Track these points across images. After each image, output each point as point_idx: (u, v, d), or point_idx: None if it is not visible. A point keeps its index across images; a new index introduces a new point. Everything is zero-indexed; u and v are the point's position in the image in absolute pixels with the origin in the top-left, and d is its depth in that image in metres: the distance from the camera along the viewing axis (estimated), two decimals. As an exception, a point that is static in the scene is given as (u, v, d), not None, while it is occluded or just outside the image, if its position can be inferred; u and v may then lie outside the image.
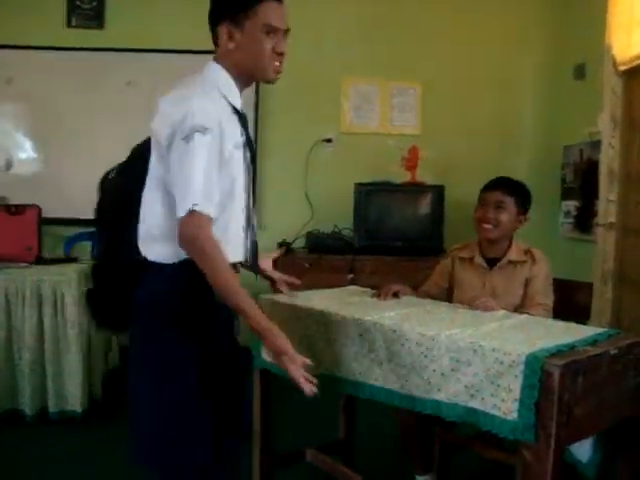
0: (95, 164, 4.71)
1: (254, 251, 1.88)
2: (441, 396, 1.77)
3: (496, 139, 4.91)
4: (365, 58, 4.82)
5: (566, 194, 4.42)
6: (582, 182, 4.21)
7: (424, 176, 4.54)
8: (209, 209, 1.64)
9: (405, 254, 4.22)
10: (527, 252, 2.47)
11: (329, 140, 4.79)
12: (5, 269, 3.37)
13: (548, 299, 2.40)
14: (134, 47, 4.69)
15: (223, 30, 1.81)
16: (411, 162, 4.49)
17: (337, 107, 4.84)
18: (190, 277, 1.67)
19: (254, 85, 4.95)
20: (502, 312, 2.13)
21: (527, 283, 2.43)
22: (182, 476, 1.78)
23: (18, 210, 3.62)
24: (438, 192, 4.37)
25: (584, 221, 4.14)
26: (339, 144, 4.82)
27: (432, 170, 4.61)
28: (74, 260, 3.82)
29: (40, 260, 3.57)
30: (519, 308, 2.36)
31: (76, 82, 4.72)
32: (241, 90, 1.84)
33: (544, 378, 1.55)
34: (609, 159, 3.64)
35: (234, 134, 1.76)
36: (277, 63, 1.79)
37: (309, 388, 1.67)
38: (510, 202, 2.47)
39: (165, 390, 1.74)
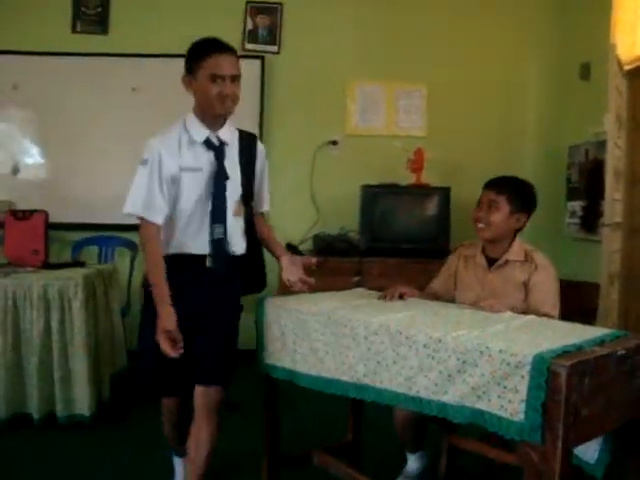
0: (101, 169, 4.78)
1: (215, 246, 2.30)
2: (448, 398, 1.77)
3: (502, 140, 4.91)
4: (370, 60, 4.83)
5: (572, 194, 4.41)
6: (588, 182, 4.20)
7: (430, 178, 4.54)
8: (151, 216, 2.23)
9: (411, 256, 4.22)
10: (528, 254, 2.42)
11: (335, 142, 4.80)
12: (13, 273, 3.38)
13: (554, 309, 2.34)
14: (138, 52, 4.72)
15: (184, 79, 2.29)
16: (417, 164, 4.49)
17: (342, 109, 4.85)
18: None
19: (259, 88, 4.98)
20: (508, 314, 2.13)
21: (528, 289, 2.38)
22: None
23: (25, 215, 3.63)
24: (444, 194, 4.37)
25: (590, 221, 4.12)
26: (345, 146, 4.83)
27: (438, 172, 4.61)
28: (81, 265, 3.83)
29: (47, 265, 3.58)
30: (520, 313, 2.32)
31: (81, 87, 4.74)
32: (211, 125, 2.31)
33: (551, 379, 1.55)
34: (615, 159, 3.63)
35: (185, 161, 2.27)
36: (228, 102, 2.27)
37: (174, 353, 2.15)
38: (503, 201, 2.42)
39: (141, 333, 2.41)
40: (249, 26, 4.81)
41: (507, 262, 2.44)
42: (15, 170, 4.80)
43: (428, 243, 4.33)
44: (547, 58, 4.84)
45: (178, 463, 2.66)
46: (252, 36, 4.81)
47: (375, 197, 4.36)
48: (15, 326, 3.29)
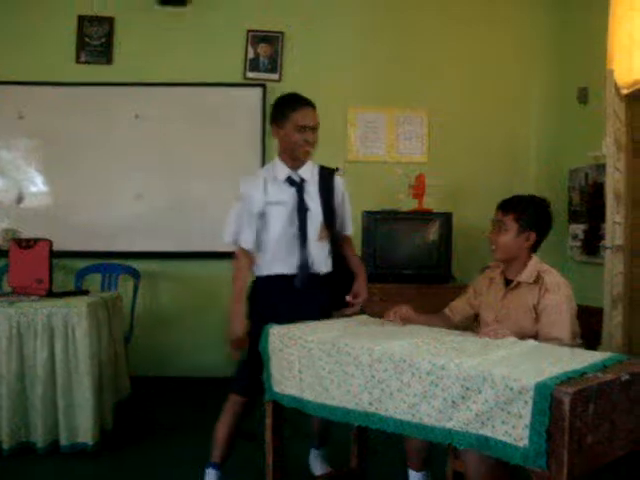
0: (105, 197, 4.81)
1: (300, 268, 2.72)
2: (452, 424, 1.77)
3: (502, 164, 4.94)
4: (371, 87, 4.88)
5: (573, 217, 4.43)
6: (589, 205, 4.22)
7: (431, 203, 4.56)
8: (240, 242, 2.75)
9: (414, 282, 4.23)
10: (539, 276, 2.38)
11: (336, 169, 4.81)
12: (17, 302, 3.39)
13: (564, 332, 2.27)
14: (142, 81, 4.79)
15: (272, 129, 2.78)
16: (418, 190, 4.52)
17: (344, 136, 4.89)
18: (255, 285, 2.81)
19: (260, 115, 5.02)
20: (512, 339, 2.12)
21: (538, 313, 2.34)
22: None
23: (29, 244, 3.64)
24: (446, 219, 4.39)
25: (592, 244, 4.13)
26: (346, 173, 4.83)
27: (439, 197, 4.64)
28: (85, 293, 3.83)
29: (51, 293, 3.59)
30: (532, 337, 2.25)
31: (86, 116, 4.80)
32: (293, 165, 2.77)
33: (555, 406, 1.55)
34: (615, 182, 3.64)
35: (271, 196, 2.73)
36: (307, 148, 2.73)
37: (236, 356, 2.69)
38: (510, 221, 2.42)
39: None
40: (250, 55, 4.87)
41: (519, 284, 2.42)
42: (20, 198, 4.84)
43: (430, 269, 4.34)
44: (545, 83, 4.89)
45: (211, 477, 2.78)
46: (253, 64, 4.88)
47: (377, 223, 4.38)
48: (19, 355, 3.29)
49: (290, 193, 2.75)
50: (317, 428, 3.06)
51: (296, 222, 2.74)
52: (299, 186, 2.77)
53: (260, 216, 2.73)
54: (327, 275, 2.82)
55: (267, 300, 2.75)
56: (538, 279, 2.39)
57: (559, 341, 2.23)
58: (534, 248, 2.47)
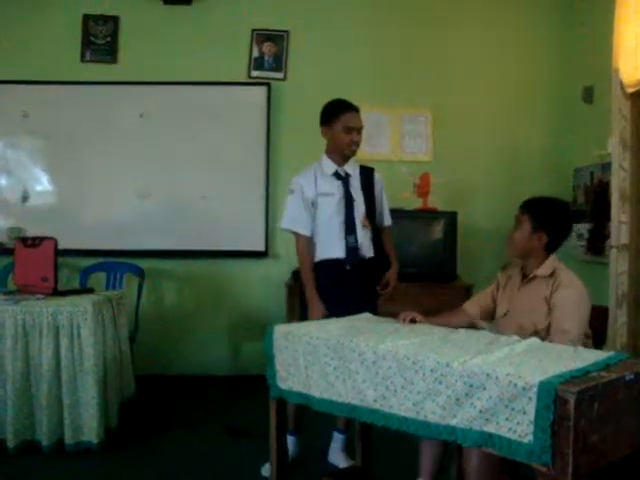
0: (110, 196, 4.82)
1: (349, 251, 3.06)
2: (456, 421, 1.77)
3: (507, 163, 4.92)
4: (375, 86, 4.87)
5: (578, 216, 4.41)
6: (593, 204, 4.20)
7: (436, 202, 4.55)
8: (298, 229, 3.09)
9: (418, 281, 4.22)
10: (555, 272, 2.44)
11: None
12: (22, 301, 3.40)
13: (574, 328, 2.31)
14: (146, 80, 4.79)
15: (322, 130, 3.12)
16: (423, 189, 4.51)
17: (348, 135, 4.88)
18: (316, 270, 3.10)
19: (265, 114, 5.00)
20: (514, 337, 2.13)
21: (551, 307, 2.38)
22: None
23: (35, 242, 3.64)
24: (451, 218, 4.38)
25: (597, 243, 4.12)
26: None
27: (444, 196, 4.63)
28: (90, 291, 3.84)
29: (56, 292, 3.59)
30: (543, 331, 2.34)
31: (90, 115, 4.81)
32: (339, 161, 3.12)
33: (560, 405, 1.55)
34: (620, 181, 3.64)
35: (321, 188, 3.09)
36: (353, 147, 3.08)
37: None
38: (525, 220, 2.49)
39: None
40: (255, 53, 4.88)
41: (535, 278, 2.47)
42: (24, 197, 4.85)
43: (435, 268, 4.33)
44: (551, 82, 4.88)
45: (290, 440, 3.00)
46: (258, 63, 4.88)
47: (381, 221, 4.36)
48: (24, 353, 3.30)
49: (337, 185, 3.11)
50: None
51: (343, 211, 3.08)
52: (345, 180, 3.13)
53: (312, 205, 3.09)
54: (370, 259, 3.16)
55: (322, 283, 3.05)
56: (553, 274, 2.44)
57: (568, 334, 2.27)
58: (550, 248, 2.51)
